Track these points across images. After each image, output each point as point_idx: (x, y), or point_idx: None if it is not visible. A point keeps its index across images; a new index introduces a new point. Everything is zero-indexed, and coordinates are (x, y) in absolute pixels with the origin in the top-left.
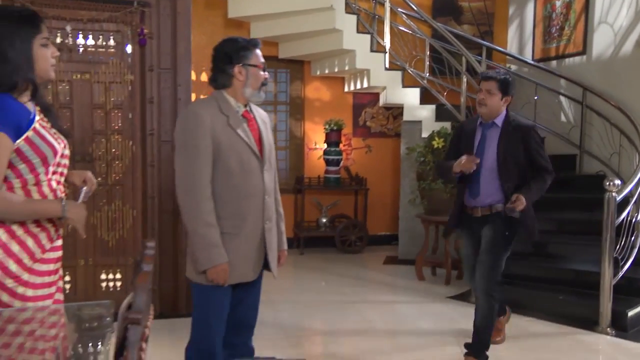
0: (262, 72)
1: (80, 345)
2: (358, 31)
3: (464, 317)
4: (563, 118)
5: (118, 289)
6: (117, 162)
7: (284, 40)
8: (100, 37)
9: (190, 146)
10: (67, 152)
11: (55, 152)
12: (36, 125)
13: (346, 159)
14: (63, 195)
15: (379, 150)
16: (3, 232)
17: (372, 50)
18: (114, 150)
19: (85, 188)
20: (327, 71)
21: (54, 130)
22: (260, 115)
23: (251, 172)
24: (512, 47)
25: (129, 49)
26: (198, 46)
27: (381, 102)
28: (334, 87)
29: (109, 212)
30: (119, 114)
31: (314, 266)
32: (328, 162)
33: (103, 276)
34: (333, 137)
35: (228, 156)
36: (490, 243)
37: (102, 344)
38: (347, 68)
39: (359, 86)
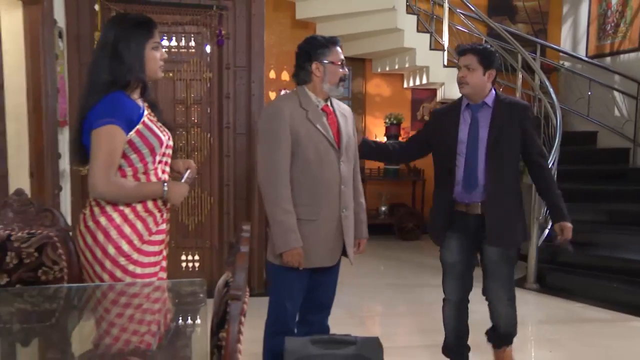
0: (340, 69)
1: (178, 319)
2: (418, 30)
3: (519, 301)
4: (617, 112)
5: (196, 269)
6: (196, 153)
7: (347, 40)
8: (183, 38)
9: (270, 138)
10: (171, 143)
11: (161, 143)
12: (145, 119)
13: None
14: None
15: None
16: (117, 215)
17: (431, 49)
18: (193, 142)
19: (189, 171)
20: (387, 68)
21: (159, 124)
22: (342, 109)
23: (328, 163)
24: (565, 45)
25: (208, 48)
26: (267, 45)
27: (438, 97)
28: (393, 83)
29: (189, 198)
30: (199, 109)
31: (375, 252)
32: None
33: (183, 257)
34: (393, 131)
35: (306, 147)
36: (504, 251)
37: (197, 318)
38: (407, 65)
39: (417, 82)
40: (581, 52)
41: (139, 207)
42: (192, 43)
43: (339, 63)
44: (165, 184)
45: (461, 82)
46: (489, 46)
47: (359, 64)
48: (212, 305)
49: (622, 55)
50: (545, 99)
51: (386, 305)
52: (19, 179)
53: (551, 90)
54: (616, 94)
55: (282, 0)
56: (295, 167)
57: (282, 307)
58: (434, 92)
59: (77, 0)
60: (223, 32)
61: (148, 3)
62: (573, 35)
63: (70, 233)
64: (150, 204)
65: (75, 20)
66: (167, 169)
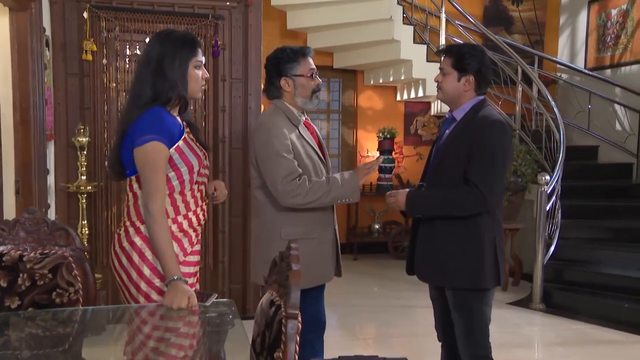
0: (311, 81)
1: (210, 341)
2: (415, 42)
3: (526, 322)
4: (618, 126)
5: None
6: None
7: (339, 51)
8: None
9: (281, 151)
10: (207, 162)
11: (199, 162)
12: (185, 136)
13: (397, 166)
14: (204, 207)
15: None
16: None
17: (427, 60)
18: None
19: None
20: (381, 80)
21: (198, 143)
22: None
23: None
24: (563, 56)
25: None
26: None
27: (433, 111)
28: (385, 96)
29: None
30: (193, 122)
31: (369, 271)
32: (381, 170)
33: None
34: (386, 145)
35: (304, 165)
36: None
37: (225, 339)
38: (402, 77)
39: (412, 95)
40: (580, 64)
41: (174, 227)
42: None
43: (309, 75)
44: (176, 278)
45: (437, 87)
46: (473, 48)
47: (349, 76)
48: (253, 324)
49: (623, 68)
50: (547, 113)
51: (388, 327)
52: (5, 195)
53: (553, 104)
54: (617, 107)
55: (272, 9)
56: None
57: None
58: (427, 105)
59: (64, 7)
60: (219, 42)
61: (140, 11)
62: (571, 47)
63: (86, 253)
64: (185, 224)
65: (62, 28)
66: (203, 189)
